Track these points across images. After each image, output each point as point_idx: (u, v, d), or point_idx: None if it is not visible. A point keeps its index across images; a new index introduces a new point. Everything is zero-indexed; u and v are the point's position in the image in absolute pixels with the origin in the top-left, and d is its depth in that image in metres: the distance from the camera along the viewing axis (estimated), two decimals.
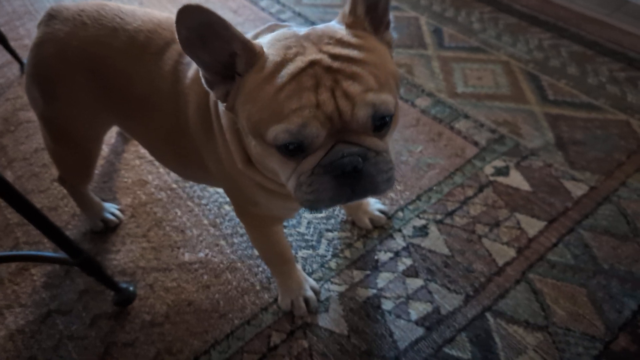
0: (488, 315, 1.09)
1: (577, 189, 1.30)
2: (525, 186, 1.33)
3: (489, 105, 1.56)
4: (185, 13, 0.57)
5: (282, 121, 0.59)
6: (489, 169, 1.38)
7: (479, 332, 1.06)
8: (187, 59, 0.87)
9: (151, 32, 0.92)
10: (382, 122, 0.63)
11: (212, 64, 0.65)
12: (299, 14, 2.00)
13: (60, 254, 1.01)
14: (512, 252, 1.19)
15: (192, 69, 0.85)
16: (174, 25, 0.91)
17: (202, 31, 0.60)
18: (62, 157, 1.16)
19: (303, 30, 0.69)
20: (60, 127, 1.06)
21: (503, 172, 1.37)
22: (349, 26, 0.68)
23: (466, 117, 1.53)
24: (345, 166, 0.61)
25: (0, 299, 1.18)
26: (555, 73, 1.64)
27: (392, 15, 0.72)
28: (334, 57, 0.62)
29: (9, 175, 1.45)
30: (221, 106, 0.77)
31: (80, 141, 1.10)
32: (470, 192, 1.32)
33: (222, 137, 0.81)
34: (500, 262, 1.17)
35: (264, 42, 0.67)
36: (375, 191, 0.65)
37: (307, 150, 0.62)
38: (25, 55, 1.88)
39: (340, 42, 0.64)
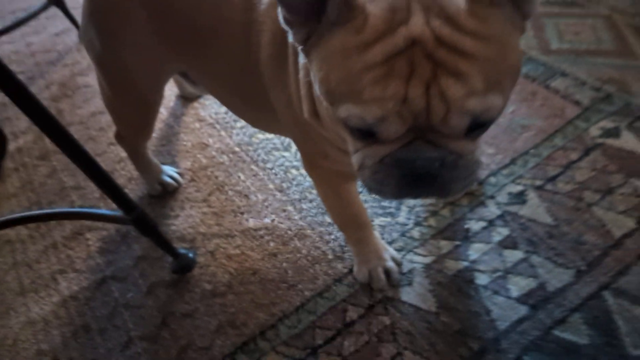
0: (606, 294, 0.90)
1: None
2: None
3: (591, 61, 1.35)
4: None
5: (360, 104, 0.49)
6: (595, 131, 1.18)
7: (597, 313, 0.88)
8: None
9: None
10: (480, 127, 0.52)
11: (300, 2, 0.52)
12: None
13: (114, 212, 0.91)
14: (631, 223, 0.99)
15: None
16: None
17: None
18: (120, 109, 1.06)
19: None
20: (119, 71, 0.96)
21: (613, 133, 1.17)
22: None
23: (564, 74, 1.33)
24: (417, 169, 0.52)
25: (53, 264, 1.11)
26: None
27: None
28: (441, 40, 0.47)
29: None
30: None
31: (140, 89, 1.00)
32: (574, 156, 1.13)
33: (295, 75, 0.69)
34: (618, 234, 0.98)
35: None
36: (445, 196, 0.57)
37: (380, 139, 0.53)
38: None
39: (453, 21, 0.48)
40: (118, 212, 0.91)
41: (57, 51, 1.73)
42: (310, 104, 0.67)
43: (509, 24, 0.50)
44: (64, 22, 1.79)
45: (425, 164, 0.51)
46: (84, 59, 1.65)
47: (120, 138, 1.15)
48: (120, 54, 0.93)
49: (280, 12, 0.56)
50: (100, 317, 1.00)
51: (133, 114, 1.07)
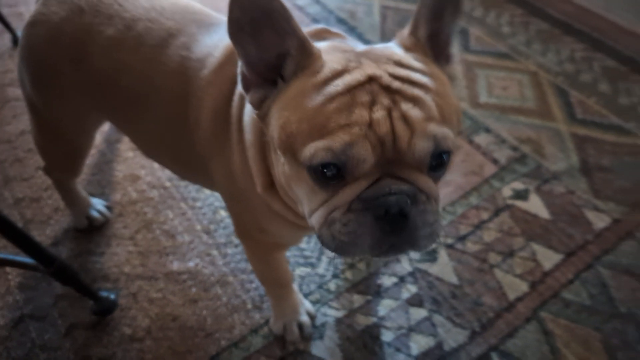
0: (494, 355, 1.00)
1: (599, 221, 1.21)
2: (544, 213, 1.23)
3: (513, 119, 1.45)
4: None
5: (325, 137, 0.50)
6: (507, 191, 1.28)
7: None
8: (197, 54, 0.77)
9: (152, 21, 0.82)
10: (439, 161, 0.53)
11: (257, 60, 0.56)
12: (317, 1, 1.87)
13: (34, 261, 0.92)
14: (524, 287, 1.10)
15: (207, 68, 0.75)
16: (180, 13, 0.83)
17: (257, 16, 0.51)
18: (49, 149, 1.07)
19: (360, 46, 0.61)
20: (47, 117, 0.97)
21: (522, 195, 1.27)
22: (408, 49, 0.58)
23: (487, 130, 1.42)
24: (391, 206, 0.50)
25: None
26: (586, 89, 1.53)
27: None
28: (394, 76, 0.53)
29: None
30: (248, 117, 0.67)
31: (68, 134, 1.01)
32: (485, 216, 1.23)
33: (240, 152, 0.71)
34: (512, 297, 1.08)
35: (321, 47, 0.58)
36: (415, 247, 0.54)
37: (348, 177, 0.52)
38: (20, 25, 1.76)
39: (401, 63, 0.55)
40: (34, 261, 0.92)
41: None
42: (263, 176, 0.68)
43: (441, 72, 0.59)
44: None
45: (397, 199, 0.50)
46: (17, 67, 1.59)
47: (48, 171, 1.15)
48: (48, 100, 0.93)
49: (239, 74, 0.59)
50: (15, 359, 1.01)
51: (60, 155, 1.07)
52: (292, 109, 0.54)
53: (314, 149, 0.50)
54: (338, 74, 0.53)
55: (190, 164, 0.86)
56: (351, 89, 0.51)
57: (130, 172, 1.32)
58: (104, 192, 1.28)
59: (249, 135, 0.67)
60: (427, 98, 0.52)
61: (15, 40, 1.69)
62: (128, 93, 0.84)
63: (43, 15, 0.86)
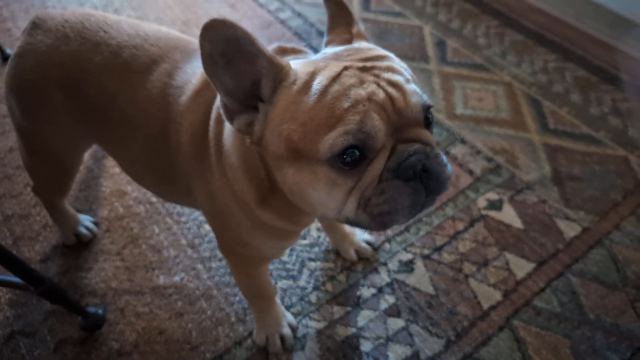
0: None
1: (570, 230, 1.26)
2: (517, 223, 1.28)
3: (488, 130, 1.50)
4: (211, 27, 0.52)
5: (337, 125, 0.54)
6: (482, 202, 1.33)
7: None
8: (177, 81, 0.81)
9: (137, 47, 0.85)
10: (429, 117, 0.61)
11: (234, 89, 0.59)
12: (299, 14, 1.91)
13: (23, 281, 0.95)
14: (498, 295, 1.15)
15: (185, 95, 0.79)
16: (163, 40, 0.86)
17: (227, 48, 0.54)
18: (37, 171, 1.10)
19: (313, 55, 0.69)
20: (36, 141, 1.01)
21: (496, 206, 1.32)
22: (355, 37, 0.70)
23: (463, 142, 1.47)
24: (415, 166, 0.56)
25: None
26: (558, 99, 1.58)
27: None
28: (363, 60, 0.60)
29: None
30: (229, 142, 0.70)
31: (57, 157, 1.04)
32: (460, 226, 1.28)
33: (219, 172, 0.75)
34: (485, 306, 1.13)
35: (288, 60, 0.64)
36: (443, 188, 0.60)
37: (369, 154, 0.56)
38: (7, 41, 1.79)
39: (359, 50, 0.64)
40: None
41: None
42: (255, 193, 0.70)
43: None
44: None
45: (417, 158, 0.56)
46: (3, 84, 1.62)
47: (36, 191, 1.18)
48: (37, 126, 0.96)
49: (220, 107, 0.62)
50: None
51: (48, 176, 1.10)
52: (290, 120, 0.57)
53: (331, 139, 0.54)
54: (314, 74, 0.58)
55: (174, 185, 0.89)
56: (336, 78, 0.56)
57: (117, 187, 1.35)
58: (91, 207, 1.31)
59: (233, 158, 0.70)
60: (396, 65, 0.61)
61: (3, 57, 1.71)
62: (115, 118, 0.87)
63: (30, 45, 0.89)
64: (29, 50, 0.89)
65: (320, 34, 1.80)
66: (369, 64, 0.59)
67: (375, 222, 0.58)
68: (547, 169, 1.39)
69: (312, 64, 0.60)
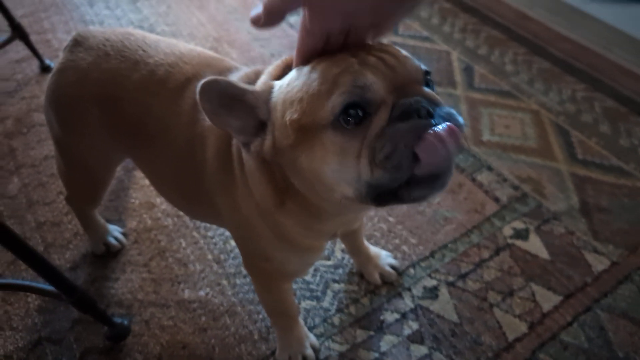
0: None
1: (598, 263, 1.24)
2: (544, 254, 1.27)
3: (514, 158, 1.50)
4: (204, 90, 0.58)
5: (332, 90, 0.54)
6: (508, 230, 1.32)
7: None
8: None
9: (172, 65, 0.88)
10: (430, 81, 0.60)
11: (244, 127, 0.63)
12: None
13: (56, 289, 0.97)
14: (523, 327, 1.13)
15: None
16: (197, 59, 0.89)
17: (222, 99, 0.59)
18: (72, 181, 1.14)
19: None
20: (73, 153, 1.04)
21: (522, 235, 1.31)
22: None
23: (489, 169, 1.47)
24: (419, 109, 0.52)
25: None
26: (587, 129, 1.57)
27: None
28: (357, 48, 0.61)
29: (15, 182, 1.42)
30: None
31: (92, 170, 1.08)
32: (486, 254, 1.27)
33: (243, 183, 0.76)
34: (511, 337, 1.12)
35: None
36: (456, 121, 0.54)
37: (370, 108, 0.54)
38: (47, 52, 1.85)
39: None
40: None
41: (16, 81, 1.74)
42: (274, 195, 0.71)
43: None
44: (25, 49, 1.79)
45: (419, 103, 0.52)
46: (43, 93, 1.66)
47: (70, 201, 1.21)
48: (75, 139, 0.99)
49: (239, 143, 0.66)
50: None
51: (83, 187, 1.13)
52: (288, 104, 0.59)
53: (330, 104, 0.54)
54: (298, 68, 0.60)
55: (199, 201, 0.91)
56: (323, 59, 0.58)
57: (146, 199, 1.38)
58: (121, 218, 1.34)
59: (252, 163, 0.71)
60: (389, 47, 0.60)
61: (43, 67, 1.77)
62: (147, 134, 0.89)
63: (71, 61, 0.92)
64: (71, 66, 0.92)
65: None
66: (363, 48, 0.60)
67: (390, 171, 0.52)
68: (575, 200, 1.38)
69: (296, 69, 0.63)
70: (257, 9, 0.63)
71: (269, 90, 0.63)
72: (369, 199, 0.57)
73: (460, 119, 0.56)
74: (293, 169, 0.64)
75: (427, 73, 0.59)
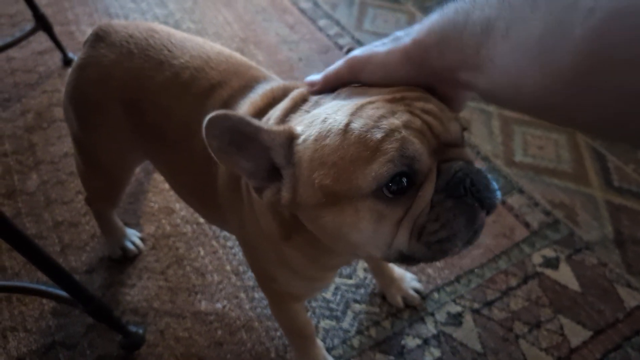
0: None
1: (631, 299, 1.19)
2: (574, 285, 1.21)
3: (547, 181, 1.44)
4: (211, 124, 0.51)
5: (374, 157, 0.49)
6: (537, 258, 1.27)
7: None
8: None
9: (198, 70, 0.84)
10: (464, 136, 0.58)
11: (255, 170, 0.57)
12: (358, 41, 1.90)
13: (72, 297, 0.95)
14: None
15: None
16: (224, 64, 0.85)
17: (232, 136, 0.53)
18: (91, 181, 1.11)
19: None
20: (92, 153, 1.01)
21: (552, 264, 1.26)
22: None
23: (521, 191, 1.41)
24: (464, 180, 0.51)
25: (6, 319, 1.13)
26: (624, 155, 1.51)
27: None
28: (391, 92, 0.55)
29: (34, 179, 1.40)
30: None
31: (111, 170, 1.05)
32: (513, 282, 1.22)
33: (249, 204, 0.73)
34: None
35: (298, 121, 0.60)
36: (495, 199, 0.54)
37: (417, 178, 0.51)
38: (70, 44, 1.83)
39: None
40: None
41: (38, 73, 1.72)
42: (282, 229, 0.67)
43: None
44: (48, 41, 1.77)
45: (463, 172, 0.51)
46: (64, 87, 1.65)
47: (89, 201, 1.19)
48: (94, 139, 0.96)
49: (251, 187, 0.59)
50: None
51: (102, 187, 1.11)
52: (319, 166, 0.53)
53: (374, 172, 0.49)
54: (327, 118, 0.54)
55: (216, 210, 0.87)
56: (355, 114, 0.52)
57: (165, 204, 1.35)
58: (139, 222, 1.31)
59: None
60: (423, 95, 0.55)
61: (65, 60, 1.75)
62: (168, 138, 0.86)
63: (93, 57, 0.89)
64: (92, 62, 0.88)
65: None
66: (397, 95, 0.54)
67: (432, 250, 0.53)
68: (609, 229, 1.33)
69: (324, 110, 0.56)
70: (315, 76, 0.61)
71: (289, 135, 0.56)
72: (394, 260, 0.56)
73: (495, 185, 0.55)
74: (313, 224, 0.59)
75: (464, 130, 0.57)
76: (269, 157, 0.56)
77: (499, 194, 0.55)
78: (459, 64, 0.49)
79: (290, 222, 0.65)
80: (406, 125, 0.50)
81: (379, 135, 0.49)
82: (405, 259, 0.55)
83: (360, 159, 0.50)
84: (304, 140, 0.55)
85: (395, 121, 0.50)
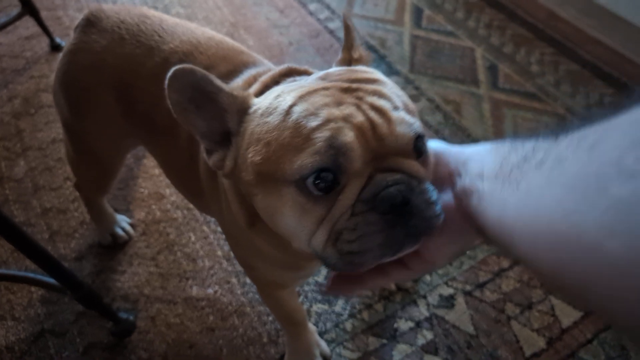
0: None
1: None
2: None
3: None
4: (175, 77, 0.51)
5: (303, 147, 0.47)
6: None
7: None
8: None
9: (186, 54, 0.83)
10: (420, 147, 0.50)
11: (208, 131, 0.56)
12: None
13: (61, 284, 0.93)
14: (541, 342, 1.09)
15: None
16: (214, 49, 0.83)
17: (192, 93, 0.53)
18: (81, 168, 1.09)
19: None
20: (83, 139, 0.99)
21: None
22: (354, 61, 0.60)
23: None
24: (394, 197, 0.46)
25: None
26: None
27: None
28: (350, 81, 0.52)
29: (21, 165, 1.38)
30: None
31: (101, 156, 1.03)
32: (505, 264, 1.22)
33: (224, 192, 0.71)
34: (528, 352, 1.08)
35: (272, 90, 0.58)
36: (429, 229, 0.48)
37: (342, 177, 0.47)
38: (57, 30, 1.79)
39: (351, 71, 0.55)
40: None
41: (25, 58, 1.69)
42: (245, 214, 0.66)
43: None
44: (35, 26, 1.73)
45: (397, 189, 0.46)
46: (52, 73, 1.61)
47: (78, 187, 1.17)
48: (85, 125, 0.95)
49: (202, 147, 0.59)
50: None
51: (92, 174, 1.09)
52: (255, 142, 0.52)
53: (299, 161, 0.47)
54: (280, 95, 0.53)
55: (201, 197, 0.86)
56: (305, 96, 0.50)
57: (155, 190, 1.33)
58: (129, 208, 1.30)
59: (226, 181, 0.67)
60: (386, 90, 0.52)
61: (52, 46, 1.72)
62: (157, 124, 0.85)
63: (84, 43, 0.88)
64: (83, 48, 0.87)
65: (370, 47, 1.76)
66: (354, 85, 0.52)
67: (343, 261, 0.48)
68: None
69: (282, 87, 0.55)
70: (327, 283, 0.59)
71: (246, 102, 0.55)
72: (318, 258, 0.52)
73: (438, 208, 0.49)
74: (252, 200, 0.57)
75: (419, 137, 0.50)
76: (224, 120, 0.56)
77: (440, 218, 0.48)
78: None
79: (252, 208, 0.61)
80: (345, 118, 0.47)
81: (314, 123, 0.47)
82: (320, 259, 0.52)
83: (290, 145, 0.48)
84: (254, 112, 0.54)
85: (336, 112, 0.48)
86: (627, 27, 1.74)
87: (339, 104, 0.49)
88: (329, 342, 1.08)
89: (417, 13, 1.96)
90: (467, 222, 0.45)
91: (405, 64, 1.74)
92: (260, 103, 0.54)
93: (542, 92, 1.65)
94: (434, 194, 0.49)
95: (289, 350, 1.03)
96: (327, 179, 0.47)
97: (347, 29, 0.64)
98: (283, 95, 0.52)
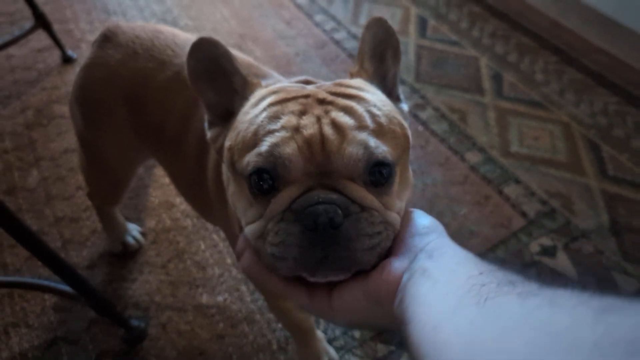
0: None
1: (628, 285, 1.20)
2: (572, 272, 1.23)
3: (543, 171, 1.45)
4: (198, 46, 0.55)
5: (254, 146, 0.49)
6: (534, 247, 1.28)
7: None
8: None
9: None
10: (379, 175, 0.49)
11: (216, 104, 0.60)
12: (354, 36, 1.90)
13: (75, 291, 0.95)
14: None
15: None
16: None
17: (209, 65, 0.57)
18: (94, 178, 1.12)
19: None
20: (97, 151, 1.03)
21: (550, 252, 1.27)
22: (353, 75, 0.61)
23: (517, 182, 1.43)
24: (319, 215, 0.45)
25: (7, 315, 1.14)
26: (618, 145, 1.53)
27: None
28: (331, 93, 0.53)
29: (34, 175, 1.41)
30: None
31: (114, 168, 1.06)
32: None
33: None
34: None
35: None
36: (352, 263, 0.46)
37: (279, 184, 0.48)
38: (69, 42, 1.83)
39: (341, 84, 0.56)
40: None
41: (37, 70, 1.72)
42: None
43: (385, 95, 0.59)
44: (47, 39, 1.77)
45: (325, 208, 0.45)
46: (64, 85, 1.66)
47: (91, 197, 1.20)
48: (99, 137, 0.98)
49: (206, 118, 0.62)
50: None
51: (105, 185, 1.12)
52: (235, 127, 0.55)
53: (248, 158, 0.49)
54: (273, 92, 0.55)
55: (209, 207, 0.87)
56: (283, 101, 0.52)
57: (165, 199, 1.35)
58: (140, 217, 1.32)
59: (231, 186, 0.69)
60: (360, 108, 0.50)
61: (64, 58, 1.75)
62: (168, 134, 0.88)
63: (100, 58, 0.91)
64: (99, 63, 0.91)
65: None
66: (330, 97, 0.52)
67: (264, 259, 0.49)
68: (605, 218, 1.34)
69: (283, 85, 0.58)
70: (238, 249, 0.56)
71: (252, 90, 0.58)
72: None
73: (374, 242, 0.47)
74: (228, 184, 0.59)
75: (379, 164, 0.48)
76: (232, 99, 0.59)
77: (373, 254, 0.47)
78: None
79: None
80: (297, 129, 0.48)
81: (271, 127, 0.49)
82: (253, 250, 0.52)
83: (250, 141, 0.50)
84: (249, 100, 0.57)
85: (294, 120, 0.49)
86: (631, 35, 1.76)
87: (302, 113, 0.50)
88: (337, 349, 1.09)
89: (422, 23, 1.98)
90: (387, 302, 0.44)
91: (410, 74, 1.76)
92: (258, 94, 0.57)
93: (546, 101, 1.67)
94: (375, 227, 0.47)
95: (299, 358, 1.04)
96: (267, 181, 0.49)
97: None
98: (273, 94, 0.55)
